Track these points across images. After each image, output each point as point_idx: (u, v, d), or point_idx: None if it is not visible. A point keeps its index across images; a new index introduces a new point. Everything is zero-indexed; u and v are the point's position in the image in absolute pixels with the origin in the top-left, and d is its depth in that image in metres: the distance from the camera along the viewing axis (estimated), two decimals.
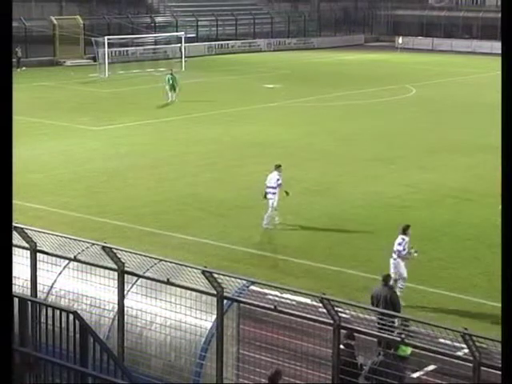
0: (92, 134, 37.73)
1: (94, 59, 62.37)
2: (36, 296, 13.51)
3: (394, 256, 18.73)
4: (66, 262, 13.77)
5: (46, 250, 13.69)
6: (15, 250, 12.71)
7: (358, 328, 11.44)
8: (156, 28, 75.20)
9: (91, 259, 13.33)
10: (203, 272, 11.93)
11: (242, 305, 12.42)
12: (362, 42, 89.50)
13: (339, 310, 11.23)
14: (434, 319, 16.27)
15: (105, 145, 35.37)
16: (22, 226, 13.67)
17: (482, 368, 10.29)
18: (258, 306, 11.95)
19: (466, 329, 10.22)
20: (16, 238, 13.19)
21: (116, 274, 12.85)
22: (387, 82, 57.08)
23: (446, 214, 25.48)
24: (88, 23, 68.03)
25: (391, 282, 17.99)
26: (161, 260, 13.01)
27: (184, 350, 12.56)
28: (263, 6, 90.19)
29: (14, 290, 10.48)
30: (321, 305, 11.24)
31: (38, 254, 13.71)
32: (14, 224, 11.85)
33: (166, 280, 12.55)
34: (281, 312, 11.63)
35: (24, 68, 59.41)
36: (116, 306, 12.92)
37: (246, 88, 54.06)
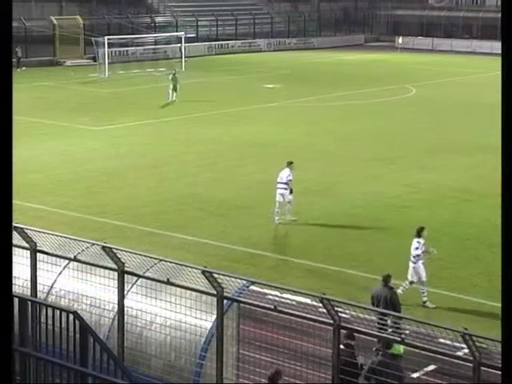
0: (92, 134, 37.73)
1: (94, 59, 62.38)
2: (36, 296, 13.50)
3: (413, 260, 18.72)
4: (66, 262, 13.76)
5: (46, 250, 13.68)
6: (15, 250, 12.70)
7: (358, 328, 11.44)
8: (156, 28, 75.21)
9: (91, 259, 13.32)
10: (203, 272, 11.93)
11: (241, 305, 12.42)
12: (362, 42, 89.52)
13: (339, 309, 11.23)
14: (434, 319, 16.28)
15: (105, 145, 35.38)
16: (22, 226, 13.66)
17: (482, 368, 10.28)
18: (258, 306, 11.94)
19: (466, 329, 10.22)
20: (16, 238, 13.19)
21: (116, 273, 12.85)
22: (387, 81, 57.09)
23: (446, 214, 25.48)
24: (88, 23, 68.04)
25: (408, 286, 18.12)
26: (161, 260, 13.01)
27: (184, 350, 12.56)
28: (263, 6, 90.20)
29: (14, 289, 10.48)
30: (321, 305, 11.24)
31: (38, 254, 13.71)
32: (14, 224, 11.84)
33: (166, 280, 12.54)
34: (281, 312, 11.62)
35: (24, 68, 59.42)
36: (116, 306, 12.92)
37: (246, 88, 54.06)
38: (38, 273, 13.75)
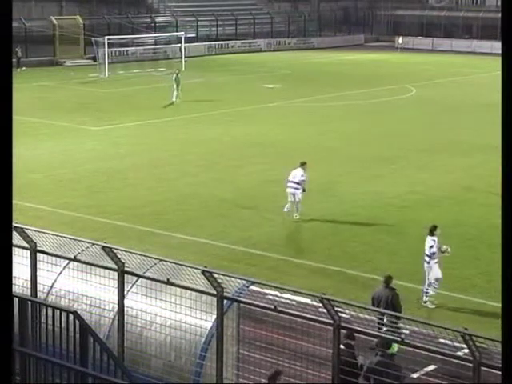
0: (92, 134, 37.73)
1: (94, 59, 62.35)
2: (36, 296, 13.50)
3: (427, 259, 18.70)
4: (66, 262, 13.76)
5: (46, 249, 13.68)
6: (15, 250, 12.70)
7: (358, 328, 11.44)
8: (156, 28, 75.21)
9: (91, 259, 13.32)
10: (203, 272, 11.93)
11: (241, 305, 12.42)
12: (362, 41, 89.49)
13: (339, 310, 11.23)
14: (434, 319, 16.28)
15: (105, 145, 35.38)
16: (22, 226, 13.66)
17: (482, 368, 10.28)
18: (258, 306, 11.94)
19: (466, 329, 10.22)
20: (16, 238, 13.19)
21: (116, 273, 12.85)
22: (387, 81, 57.08)
23: (446, 214, 25.45)
24: (88, 23, 68.02)
25: (426, 286, 18.12)
26: (161, 260, 13.01)
27: (184, 350, 12.56)
28: (263, 6, 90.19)
29: (14, 289, 10.47)
30: (321, 305, 11.24)
31: (38, 254, 13.71)
32: (14, 224, 11.84)
33: (166, 280, 12.55)
34: (281, 312, 11.62)
35: (24, 68, 59.41)
36: (116, 306, 12.92)
37: (246, 88, 54.06)
38: (38, 273, 13.75)
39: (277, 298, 12.71)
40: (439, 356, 10.86)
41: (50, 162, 32.17)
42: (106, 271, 13.06)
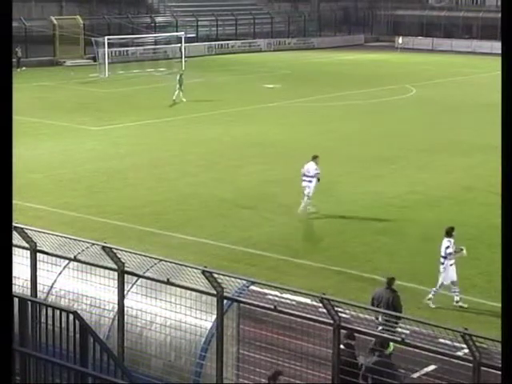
0: (92, 134, 37.73)
1: (94, 59, 62.35)
2: (36, 296, 13.50)
3: (442, 260, 18.72)
4: (66, 262, 13.76)
5: (46, 249, 13.68)
6: (15, 250, 12.70)
7: (358, 328, 11.44)
8: (156, 28, 75.20)
9: (91, 259, 13.32)
10: (203, 272, 11.93)
11: (241, 305, 12.42)
12: (362, 41, 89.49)
13: (339, 310, 11.23)
14: (434, 319, 16.27)
15: (105, 145, 35.38)
16: (22, 226, 13.66)
17: (482, 368, 10.28)
18: (257, 306, 11.94)
19: (466, 329, 10.22)
20: (16, 238, 13.19)
21: (116, 273, 12.85)
22: (387, 81, 57.08)
23: (446, 214, 25.45)
24: (88, 23, 68.01)
25: (437, 286, 18.13)
26: (161, 260, 13.00)
27: (184, 350, 12.56)
28: (263, 6, 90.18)
29: (14, 289, 10.48)
30: (321, 305, 11.23)
31: (38, 254, 13.71)
32: (14, 224, 11.84)
33: (166, 280, 12.55)
34: (281, 312, 11.62)
35: (24, 68, 59.41)
36: (116, 306, 12.92)
37: (246, 88, 54.06)
38: (38, 273, 13.75)
39: (277, 298, 12.71)
40: (439, 356, 10.85)
41: (49, 162, 32.17)
42: (106, 271, 13.06)
